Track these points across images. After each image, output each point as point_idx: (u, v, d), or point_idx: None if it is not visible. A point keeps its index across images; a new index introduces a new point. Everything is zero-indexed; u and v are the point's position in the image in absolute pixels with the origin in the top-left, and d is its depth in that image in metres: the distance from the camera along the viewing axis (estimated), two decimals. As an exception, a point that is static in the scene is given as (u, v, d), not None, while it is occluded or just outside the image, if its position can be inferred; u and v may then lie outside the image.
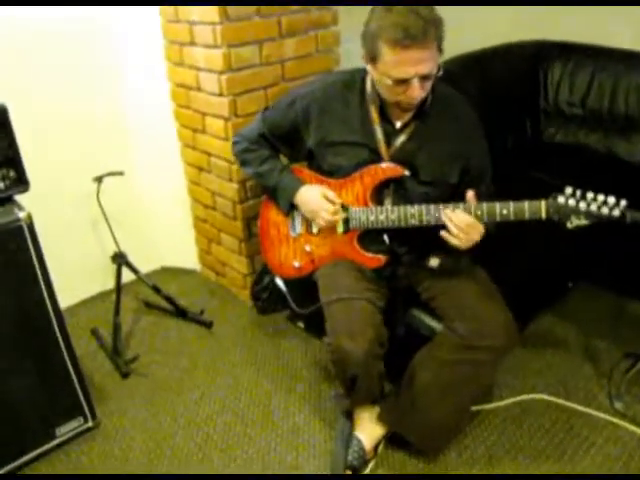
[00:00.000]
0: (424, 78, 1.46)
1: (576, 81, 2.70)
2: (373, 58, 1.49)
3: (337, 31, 2.41)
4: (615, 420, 1.91)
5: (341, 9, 2.39)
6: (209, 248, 2.70)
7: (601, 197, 1.40)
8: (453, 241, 1.53)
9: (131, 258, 2.40)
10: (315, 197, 1.71)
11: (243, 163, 1.90)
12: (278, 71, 2.27)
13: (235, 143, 1.91)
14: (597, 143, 2.68)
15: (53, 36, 2.18)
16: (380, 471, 1.78)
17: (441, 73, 1.49)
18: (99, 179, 2.22)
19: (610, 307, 2.43)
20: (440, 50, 1.46)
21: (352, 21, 2.53)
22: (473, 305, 1.63)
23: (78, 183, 2.35)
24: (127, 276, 2.47)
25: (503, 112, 2.70)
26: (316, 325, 2.36)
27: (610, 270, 2.46)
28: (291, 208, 1.82)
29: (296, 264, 1.86)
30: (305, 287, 1.85)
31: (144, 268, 2.57)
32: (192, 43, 2.19)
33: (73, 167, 2.36)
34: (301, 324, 2.44)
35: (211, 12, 2.02)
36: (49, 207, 2.21)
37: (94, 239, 2.56)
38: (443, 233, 1.54)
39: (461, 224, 1.51)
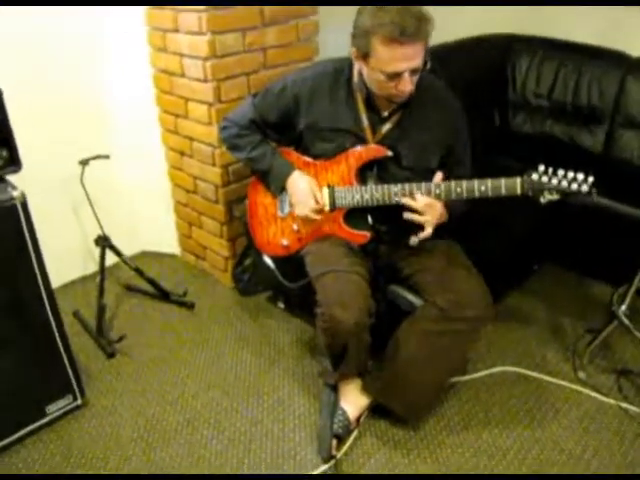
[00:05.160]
0: (413, 72, 1.57)
1: (542, 74, 2.84)
2: (365, 54, 1.57)
3: (316, 20, 2.48)
4: (578, 388, 2.06)
5: (320, -1, 2.47)
6: (190, 232, 2.75)
7: (570, 174, 1.53)
8: (420, 219, 1.66)
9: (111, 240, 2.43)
10: (304, 191, 1.80)
11: (233, 148, 1.95)
12: (260, 58, 2.33)
13: (224, 128, 1.95)
14: (561, 133, 2.83)
15: (37, 25, 2.20)
16: (363, 438, 1.88)
17: (429, 66, 1.60)
18: (85, 162, 2.24)
19: (572, 286, 2.59)
20: (427, 44, 1.56)
21: (330, 12, 2.63)
22: (451, 279, 1.74)
23: (60, 167, 2.36)
24: (107, 260, 2.49)
25: (473, 102, 2.81)
26: (296, 305, 2.47)
27: (571, 252, 2.62)
28: (282, 191, 1.89)
29: (284, 242, 1.94)
30: (292, 263, 1.93)
31: (125, 252, 2.60)
32: (176, 30, 2.23)
33: (54, 151, 2.37)
34: (281, 304, 2.52)
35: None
36: (30, 190, 2.22)
37: (75, 223, 2.58)
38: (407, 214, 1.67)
39: (419, 205, 1.65)
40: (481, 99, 2.87)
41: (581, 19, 2.81)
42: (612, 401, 1.99)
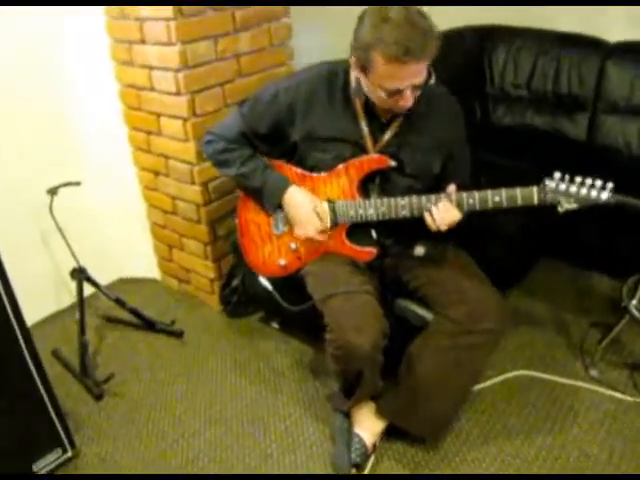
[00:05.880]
0: (416, 87, 1.46)
1: (520, 64, 2.77)
2: (365, 68, 1.46)
3: (289, 23, 2.36)
4: (593, 387, 2.00)
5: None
6: (170, 255, 2.59)
7: (589, 181, 1.43)
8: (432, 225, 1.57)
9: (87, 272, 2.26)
10: (306, 208, 1.68)
11: (221, 164, 1.79)
12: (234, 66, 2.20)
13: (208, 142, 1.79)
14: (543, 123, 2.76)
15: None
16: (381, 464, 1.78)
17: (433, 80, 1.47)
18: (54, 191, 2.07)
19: (569, 280, 2.53)
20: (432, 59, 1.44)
21: (303, 15, 2.50)
22: (463, 290, 1.64)
23: (26, 196, 2.19)
24: (84, 291, 2.32)
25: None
26: (291, 324, 2.34)
27: (566, 245, 2.56)
28: (276, 209, 1.76)
29: (282, 262, 1.81)
30: (292, 284, 1.80)
31: (101, 281, 2.43)
32: (142, 41, 2.07)
33: (18, 179, 2.19)
34: (275, 324, 2.39)
35: (164, 8, 1.92)
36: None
37: (46, 255, 2.39)
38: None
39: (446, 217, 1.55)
40: (460, 93, 2.78)
41: (557, 9, 2.75)
42: (629, 398, 1.93)
